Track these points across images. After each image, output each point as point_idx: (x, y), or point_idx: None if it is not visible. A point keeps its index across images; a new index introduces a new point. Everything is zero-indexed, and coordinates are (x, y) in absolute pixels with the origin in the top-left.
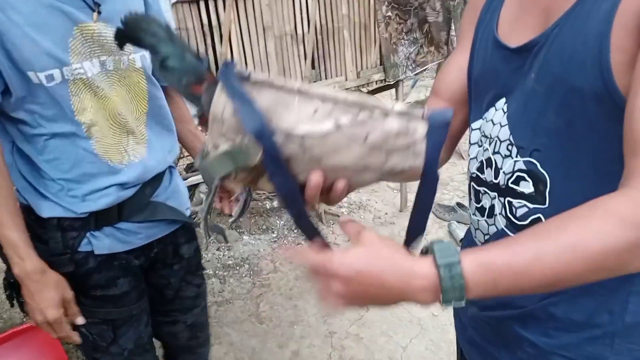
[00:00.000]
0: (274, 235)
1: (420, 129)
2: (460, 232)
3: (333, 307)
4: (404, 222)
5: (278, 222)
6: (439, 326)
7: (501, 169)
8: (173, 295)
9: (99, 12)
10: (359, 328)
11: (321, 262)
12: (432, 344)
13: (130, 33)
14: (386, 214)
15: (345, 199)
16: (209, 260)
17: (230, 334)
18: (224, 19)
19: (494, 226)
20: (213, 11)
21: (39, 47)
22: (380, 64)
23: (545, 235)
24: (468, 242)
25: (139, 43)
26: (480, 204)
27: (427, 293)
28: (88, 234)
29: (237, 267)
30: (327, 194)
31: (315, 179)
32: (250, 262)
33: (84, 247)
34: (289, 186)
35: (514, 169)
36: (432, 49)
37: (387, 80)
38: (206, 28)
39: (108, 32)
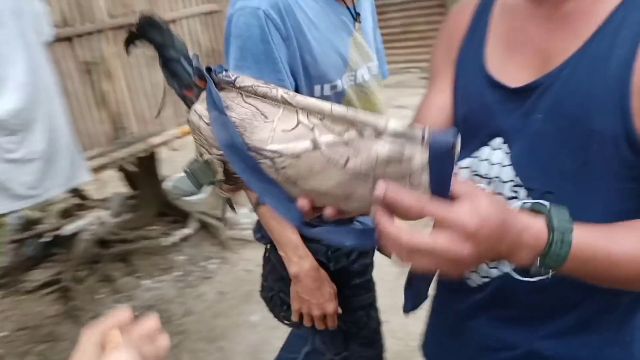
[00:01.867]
0: (179, 273)
1: (419, 156)
2: None
3: (456, 273)
4: None
5: (179, 258)
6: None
7: None
8: None
9: (359, 22)
10: None
11: (443, 213)
12: None
13: (145, 31)
14: None
15: (247, 219)
16: None
17: None
18: (106, 54)
19: (496, 269)
20: (94, 47)
21: (331, 60)
22: None
23: (636, 239)
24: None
25: (149, 40)
26: None
27: (530, 251)
28: None
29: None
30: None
31: (299, 203)
32: (158, 308)
33: None
34: (275, 193)
35: None
36: None
37: None
38: (86, 65)
39: (363, 41)
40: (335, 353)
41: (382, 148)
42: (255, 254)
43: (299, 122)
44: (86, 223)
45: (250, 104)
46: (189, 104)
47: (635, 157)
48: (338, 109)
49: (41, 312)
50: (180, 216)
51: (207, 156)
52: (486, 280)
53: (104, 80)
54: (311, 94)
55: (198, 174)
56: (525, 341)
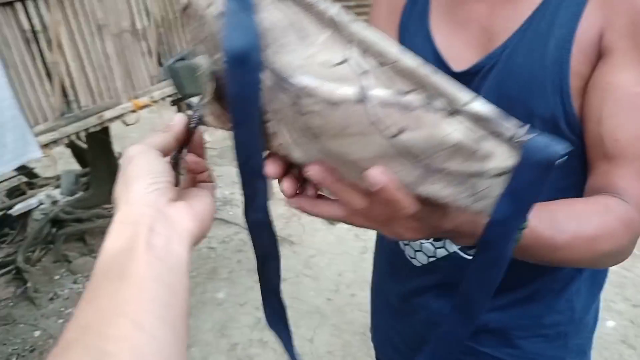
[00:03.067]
0: None
1: (499, 157)
2: None
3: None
4: (275, 209)
5: None
6: (336, 309)
7: None
8: None
9: None
10: (261, 332)
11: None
12: (335, 328)
13: None
14: None
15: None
16: (67, 298)
17: None
18: (50, 22)
19: (443, 249)
20: (35, 14)
21: None
22: None
23: (575, 221)
24: (390, 253)
25: None
26: None
27: (471, 239)
28: None
29: None
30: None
31: (312, 171)
32: None
33: None
34: (255, 149)
35: None
36: None
37: None
38: (29, 34)
39: None
40: None
41: (454, 132)
42: (217, 232)
43: (347, 59)
44: (37, 202)
45: (285, 11)
46: None
47: (574, 136)
48: (408, 60)
49: None
50: None
51: (202, 60)
52: (432, 259)
53: (49, 50)
54: None
55: (183, 77)
56: None
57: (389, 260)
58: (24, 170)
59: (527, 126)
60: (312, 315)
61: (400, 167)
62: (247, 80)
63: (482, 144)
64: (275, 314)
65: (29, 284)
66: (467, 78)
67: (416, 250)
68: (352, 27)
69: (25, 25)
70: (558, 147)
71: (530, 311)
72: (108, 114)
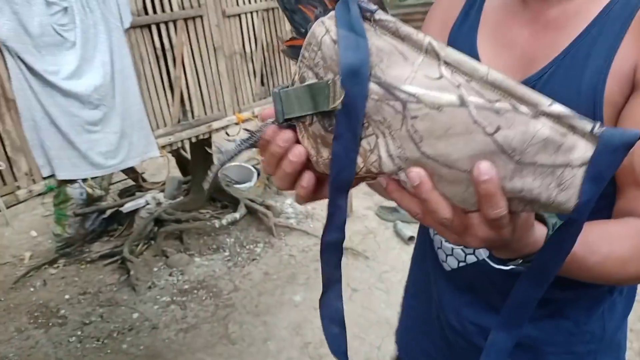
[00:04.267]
0: (227, 254)
1: (581, 148)
2: (407, 230)
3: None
4: (352, 226)
5: (228, 240)
6: None
7: None
8: None
9: None
10: None
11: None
12: None
13: None
14: None
15: (291, 209)
16: (163, 288)
17: None
18: (176, 42)
19: (472, 256)
20: (165, 35)
21: None
22: None
23: (607, 242)
24: (428, 258)
25: None
26: None
27: (524, 251)
28: None
29: (195, 291)
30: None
31: (414, 173)
32: (208, 283)
33: None
34: (349, 161)
35: None
36: None
37: None
38: (159, 51)
39: None
40: None
41: (543, 128)
42: (299, 242)
43: (442, 76)
44: (144, 202)
45: (385, 40)
46: (296, 21)
47: None
48: (495, 74)
49: (102, 280)
50: (229, 202)
51: (311, 81)
52: (462, 264)
53: (173, 66)
54: None
55: (289, 101)
56: None
57: (424, 260)
58: (134, 174)
59: (599, 122)
60: (382, 325)
61: (497, 162)
62: (357, 92)
63: (566, 138)
64: (335, 342)
65: (131, 273)
66: None
67: (447, 255)
68: (445, 52)
69: (157, 44)
70: (632, 132)
71: (561, 327)
72: (216, 125)
